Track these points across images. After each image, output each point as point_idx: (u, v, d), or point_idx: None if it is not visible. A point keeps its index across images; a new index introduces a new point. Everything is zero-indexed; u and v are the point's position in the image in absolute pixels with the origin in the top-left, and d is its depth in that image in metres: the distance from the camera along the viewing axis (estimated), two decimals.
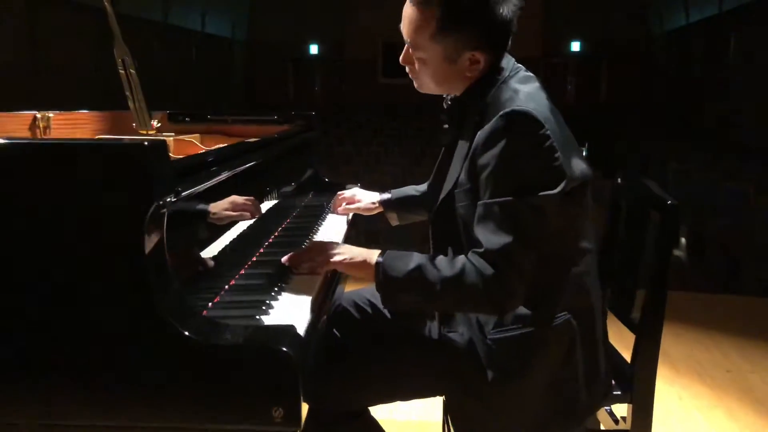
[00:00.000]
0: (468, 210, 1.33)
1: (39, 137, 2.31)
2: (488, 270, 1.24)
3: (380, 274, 1.29)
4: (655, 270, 1.45)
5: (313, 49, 15.75)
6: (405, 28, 1.39)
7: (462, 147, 1.39)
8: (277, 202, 1.93)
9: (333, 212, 2.10)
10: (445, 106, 1.51)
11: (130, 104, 2.43)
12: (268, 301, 1.19)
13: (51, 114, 2.36)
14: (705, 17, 11.47)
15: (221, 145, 1.65)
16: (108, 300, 0.90)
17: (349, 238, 1.94)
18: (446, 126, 1.52)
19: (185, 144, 2.22)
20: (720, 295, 4.55)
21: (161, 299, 0.89)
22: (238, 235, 1.50)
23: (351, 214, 2.08)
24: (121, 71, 2.40)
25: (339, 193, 2.12)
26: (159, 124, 2.50)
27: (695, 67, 11.85)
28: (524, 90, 1.33)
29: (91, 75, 7.75)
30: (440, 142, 1.57)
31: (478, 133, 1.31)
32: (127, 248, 0.89)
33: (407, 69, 1.45)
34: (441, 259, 1.29)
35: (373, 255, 1.33)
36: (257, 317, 1.11)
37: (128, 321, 0.91)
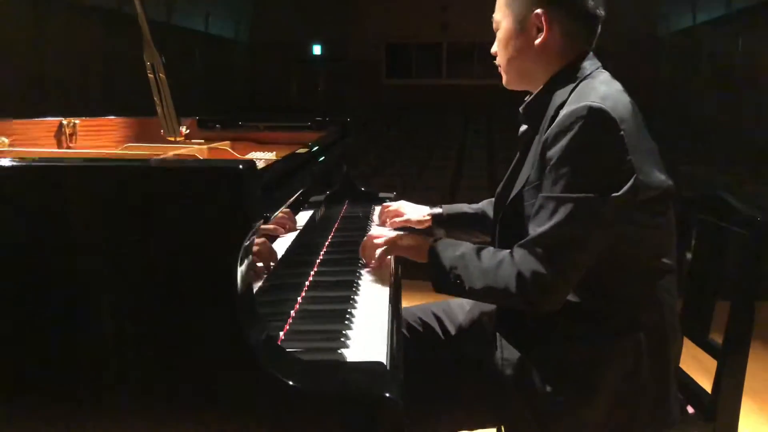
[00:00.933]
0: (532, 208, 1.29)
1: (65, 145, 2.23)
2: (525, 262, 1.22)
3: (430, 257, 1.37)
4: (741, 290, 1.36)
5: (317, 49, 15.68)
6: (496, 6, 1.44)
7: (537, 146, 1.34)
8: (314, 213, 1.83)
9: (380, 225, 2.02)
10: (521, 110, 1.46)
11: (158, 110, 2.35)
12: (343, 331, 1.10)
13: (77, 120, 2.27)
14: (712, 18, 11.43)
15: (286, 157, 1.51)
16: (198, 337, 0.81)
17: None
18: (523, 127, 1.47)
19: (218, 152, 2.13)
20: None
21: (252, 338, 0.80)
22: (285, 253, 1.41)
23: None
24: (150, 75, 2.32)
25: (384, 205, 2.05)
26: (188, 131, 2.41)
27: (702, 68, 11.81)
28: (605, 89, 1.28)
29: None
30: (517, 144, 1.52)
31: (551, 127, 1.27)
32: (219, 283, 0.80)
33: (497, 62, 1.46)
34: (487, 250, 1.32)
35: (425, 241, 1.43)
36: (339, 351, 1.02)
37: (221, 362, 0.81)
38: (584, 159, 1.21)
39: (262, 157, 2.24)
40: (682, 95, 12.69)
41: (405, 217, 1.92)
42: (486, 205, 1.81)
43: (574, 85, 1.32)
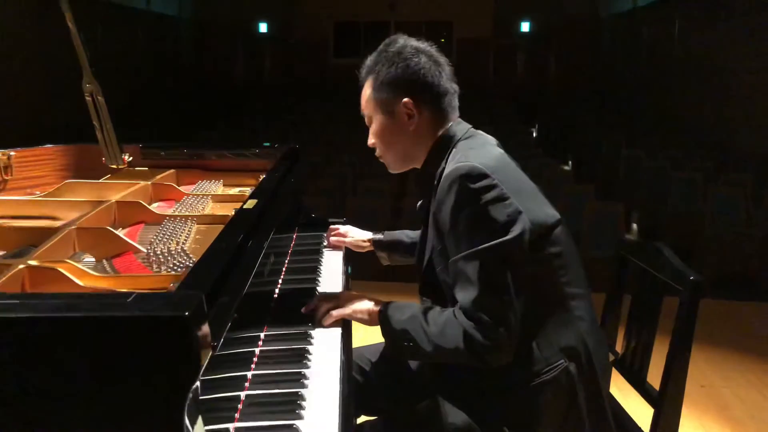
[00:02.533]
0: (445, 273, 1.39)
1: (1, 178, 2.13)
2: (467, 324, 1.28)
3: (381, 323, 1.40)
4: (676, 343, 1.43)
5: (263, 27, 15.31)
6: (362, 105, 1.53)
7: (431, 215, 1.45)
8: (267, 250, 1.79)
9: (327, 246, 2.10)
10: (415, 184, 1.55)
11: (99, 135, 2.28)
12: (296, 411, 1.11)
13: (12, 152, 2.18)
14: (652, 2, 11.68)
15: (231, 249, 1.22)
16: None
17: (347, 269, 1.96)
18: (421, 200, 1.58)
19: (163, 189, 2.08)
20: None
21: None
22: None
23: (344, 249, 2.08)
24: (88, 98, 2.24)
25: (331, 227, 2.13)
26: (131, 158, 2.35)
27: (642, 52, 12.09)
28: (474, 149, 1.41)
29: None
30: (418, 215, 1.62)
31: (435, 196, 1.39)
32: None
33: (377, 154, 1.55)
34: (432, 312, 1.36)
35: (374, 306, 1.45)
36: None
37: None
38: (471, 215, 1.30)
39: (209, 189, 2.21)
40: (621, 77, 12.98)
41: (349, 239, 2.05)
42: None
43: (448, 152, 1.44)
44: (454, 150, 1.43)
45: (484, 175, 1.31)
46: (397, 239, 1.94)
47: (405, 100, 1.44)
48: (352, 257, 2.07)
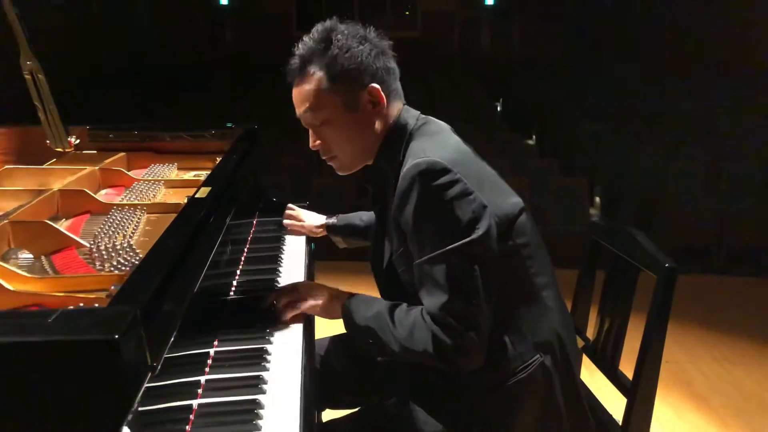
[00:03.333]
0: (408, 274, 1.31)
1: None
2: (435, 328, 1.20)
3: (344, 317, 1.32)
4: (650, 331, 1.39)
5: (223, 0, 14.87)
6: (300, 106, 1.36)
7: (390, 214, 1.34)
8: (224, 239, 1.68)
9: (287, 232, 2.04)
10: (366, 184, 1.46)
11: (41, 117, 2.13)
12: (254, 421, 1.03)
13: None
14: None
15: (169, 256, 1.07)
16: None
17: (310, 255, 1.89)
18: (375, 197, 1.47)
19: (111, 175, 1.95)
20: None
21: None
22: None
23: (305, 242, 2.00)
24: (27, 76, 2.09)
25: (288, 206, 2.06)
26: (77, 141, 2.21)
27: (603, 24, 12.09)
28: (431, 142, 1.31)
29: None
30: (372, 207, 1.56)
31: (395, 196, 1.29)
32: None
33: (321, 152, 1.40)
34: (399, 311, 1.27)
35: (337, 299, 1.36)
36: None
37: None
38: (435, 214, 1.22)
39: (161, 173, 2.09)
40: (585, 49, 13.00)
41: (299, 226, 1.98)
42: None
43: (403, 145, 1.33)
44: (411, 142, 1.32)
45: (445, 170, 1.22)
46: (351, 223, 1.88)
47: (372, 86, 1.31)
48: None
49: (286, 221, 2.01)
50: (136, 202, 1.70)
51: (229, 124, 2.33)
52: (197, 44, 14.93)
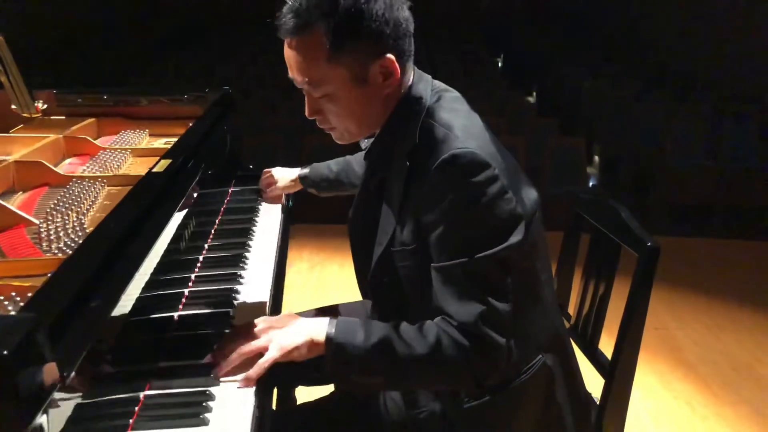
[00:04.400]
0: (413, 272, 1.17)
1: None
2: (467, 343, 1.07)
3: (332, 352, 1.07)
4: (630, 310, 1.33)
5: None
6: (295, 70, 1.14)
7: (394, 196, 1.19)
8: (191, 210, 1.60)
9: (263, 200, 1.97)
10: (363, 147, 1.30)
11: (3, 80, 2.03)
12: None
13: None
14: None
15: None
16: None
17: (286, 224, 1.83)
18: (370, 175, 1.31)
19: (77, 143, 1.87)
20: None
21: None
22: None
23: (284, 198, 1.96)
24: None
25: (264, 171, 1.98)
26: (45, 106, 2.12)
27: None
28: (458, 123, 1.14)
29: None
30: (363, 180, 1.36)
31: (418, 186, 1.13)
32: None
33: (318, 122, 1.22)
34: (408, 330, 1.10)
35: (319, 330, 1.08)
36: None
37: None
38: (472, 215, 1.08)
39: (131, 141, 2.00)
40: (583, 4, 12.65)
41: (278, 186, 1.91)
42: (344, 166, 1.78)
43: (419, 122, 1.15)
44: (431, 122, 1.14)
45: (485, 165, 1.07)
46: (322, 175, 1.82)
47: (388, 56, 1.10)
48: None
49: (267, 189, 1.94)
50: (98, 173, 1.62)
51: (207, 90, 2.24)
52: (190, 1, 14.52)
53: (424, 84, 1.20)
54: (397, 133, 1.18)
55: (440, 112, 1.16)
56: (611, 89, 7.22)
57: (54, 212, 1.33)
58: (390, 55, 1.11)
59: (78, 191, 1.45)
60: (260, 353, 1.07)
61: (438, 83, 1.25)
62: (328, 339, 1.07)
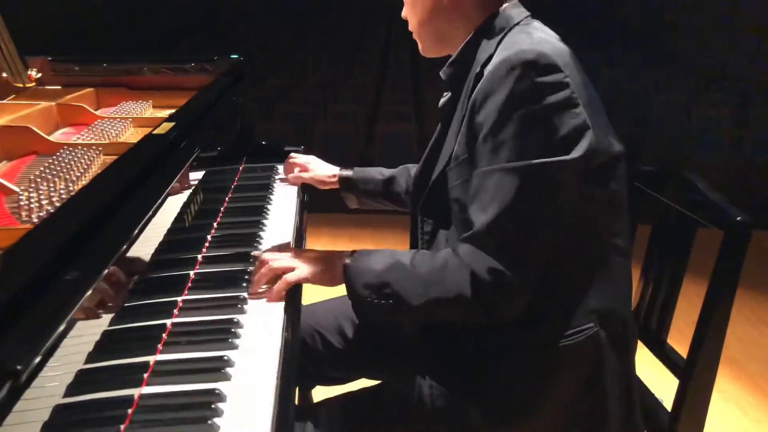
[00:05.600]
0: (464, 190, 1.05)
1: None
2: (477, 260, 0.97)
3: (348, 278, 1.06)
4: (714, 298, 1.13)
5: None
6: None
7: (459, 113, 1.10)
8: (197, 188, 1.41)
9: (284, 180, 1.76)
10: (442, 76, 1.17)
11: None
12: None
13: None
14: None
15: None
16: None
17: (301, 215, 1.59)
18: (445, 97, 1.19)
19: (71, 111, 1.68)
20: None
21: None
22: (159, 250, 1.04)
23: (300, 185, 1.72)
24: None
25: (291, 155, 1.76)
26: (39, 75, 1.93)
27: None
28: (539, 34, 1.05)
29: None
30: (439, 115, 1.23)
31: (477, 87, 1.03)
32: None
33: (410, 29, 1.19)
34: (421, 255, 1.05)
35: (337, 258, 1.09)
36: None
37: None
38: (526, 117, 0.96)
39: (133, 111, 1.81)
40: None
41: (311, 174, 1.67)
42: (402, 172, 1.54)
43: (499, 37, 1.07)
44: (509, 35, 1.07)
45: (554, 68, 0.97)
46: (370, 177, 1.57)
47: None
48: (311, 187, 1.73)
49: (291, 176, 1.72)
50: (93, 141, 1.43)
51: (215, 58, 2.05)
52: None
53: (519, 11, 1.12)
54: (474, 51, 1.09)
55: (526, 27, 1.07)
56: (630, 77, 7.00)
57: (38, 179, 1.14)
58: None
59: (69, 159, 1.27)
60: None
61: (534, 19, 1.13)
62: (345, 266, 1.07)
